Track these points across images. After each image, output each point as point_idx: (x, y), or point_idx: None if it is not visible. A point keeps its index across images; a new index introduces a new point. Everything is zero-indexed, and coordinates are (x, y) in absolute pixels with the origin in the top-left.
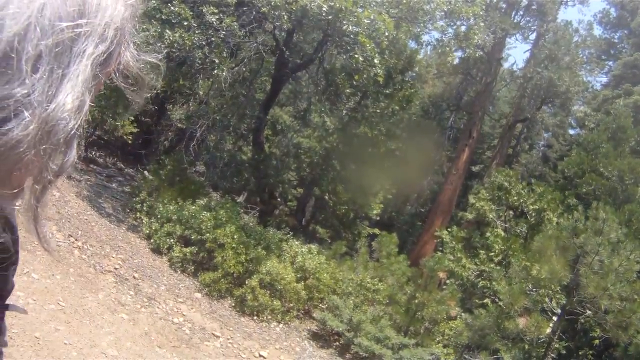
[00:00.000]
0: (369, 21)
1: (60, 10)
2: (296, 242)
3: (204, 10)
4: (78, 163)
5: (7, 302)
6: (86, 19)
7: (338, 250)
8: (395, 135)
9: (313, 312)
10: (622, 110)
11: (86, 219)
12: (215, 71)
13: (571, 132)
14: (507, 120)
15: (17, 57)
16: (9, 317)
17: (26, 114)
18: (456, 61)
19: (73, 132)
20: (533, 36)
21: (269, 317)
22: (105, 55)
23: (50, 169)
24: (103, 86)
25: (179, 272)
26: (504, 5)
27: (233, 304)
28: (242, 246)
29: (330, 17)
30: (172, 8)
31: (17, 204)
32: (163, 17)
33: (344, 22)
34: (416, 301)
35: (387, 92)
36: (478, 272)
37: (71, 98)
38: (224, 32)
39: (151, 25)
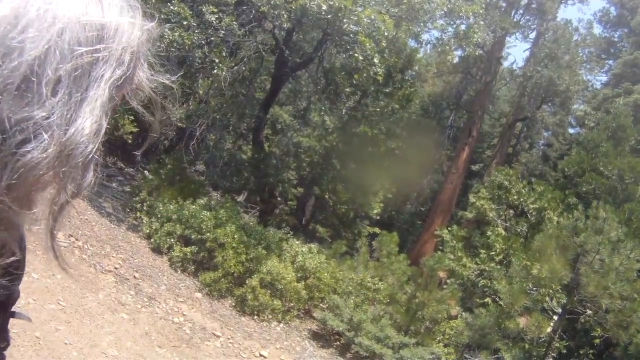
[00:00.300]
0: (369, 20)
1: (79, 35)
2: (296, 242)
3: (203, 10)
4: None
5: (12, 309)
6: (104, 44)
7: (338, 250)
8: (395, 134)
9: (313, 312)
10: (622, 109)
11: (86, 219)
12: (215, 70)
13: (571, 131)
14: (507, 119)
15: (37, 81)
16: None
17: (45, 136)
18: (456, 60)
19: (91, 155)
20: (533, 35)
21: (270, 316)
22: (122, 79)
23: (67, 190)
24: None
25: (179, 272)
26: (503, 4)
27: (233, 304)
28: (242, 246)
29: (329, 16)
30: (171, 7)
31: (33, 223)
32: (162, 16)
33: (344, 21)
34: (416, 300)
35: (387, 91)
36: (478, 272)
37: (90, 122)
38: (223, 32)
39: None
